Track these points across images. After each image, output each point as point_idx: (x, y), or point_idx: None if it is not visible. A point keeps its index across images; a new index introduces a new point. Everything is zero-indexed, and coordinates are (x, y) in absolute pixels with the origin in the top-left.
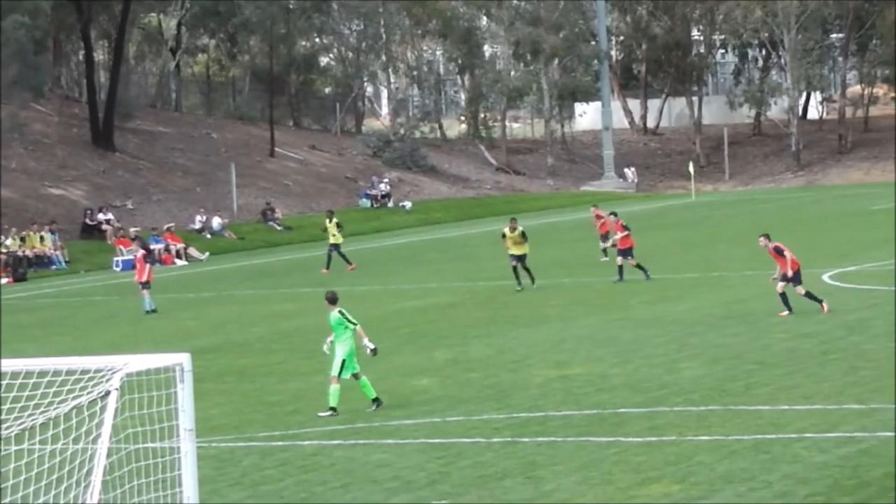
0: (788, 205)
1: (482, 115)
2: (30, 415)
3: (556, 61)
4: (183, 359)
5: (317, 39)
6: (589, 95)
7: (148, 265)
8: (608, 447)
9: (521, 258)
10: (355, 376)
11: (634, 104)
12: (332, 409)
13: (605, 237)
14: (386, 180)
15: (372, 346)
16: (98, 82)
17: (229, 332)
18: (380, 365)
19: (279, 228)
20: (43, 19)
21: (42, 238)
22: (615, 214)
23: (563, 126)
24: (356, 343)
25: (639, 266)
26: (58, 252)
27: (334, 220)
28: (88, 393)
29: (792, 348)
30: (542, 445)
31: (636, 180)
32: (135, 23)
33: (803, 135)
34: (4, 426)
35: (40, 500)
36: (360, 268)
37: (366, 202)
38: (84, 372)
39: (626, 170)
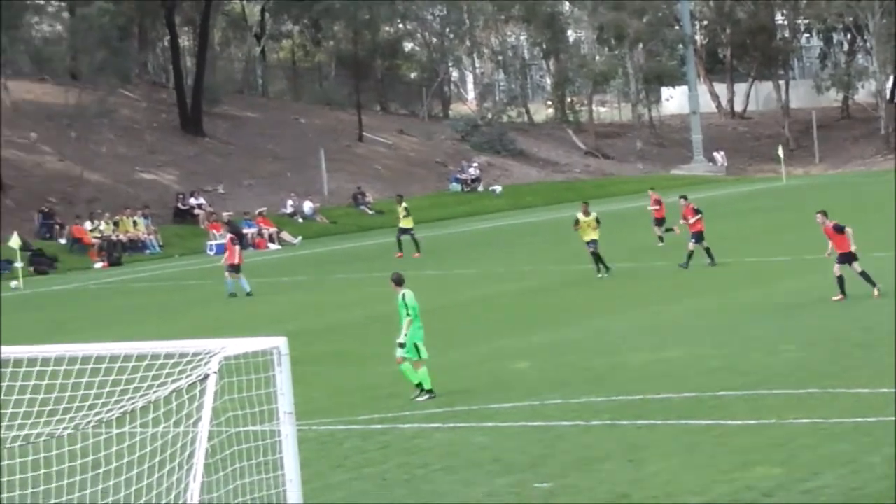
0: (881, 188)
1: (569, 99)
2: (130, 398)
3: (640, 45)
4: (280, 342)
5: (400, 25)
6: (675, 79)
7: (237, 248)
8: (708, 430)
9: (591, 243)
10: (406, 359)
11: (721, 88)
12: (429, 391)
13: (659, 222)
14: (475, 164)
15: (401, 340)
16: (184, 68)
17: (324, 315)
18: (478, 348)
19: (370, 212)
20: (127, 5)
21: (135, 223)
22: (685, 198)
23: (650, 110)
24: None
25: (708, 251)
26: (151, 236)
27: (403, 204)
28: (187, 376)
29: (891, 331)
30: (642, 429)
31: (726, 164)
32: (219, 9)
33: (892, 118)
34: (105, 409)
35: (143, 483)
36: (454, 251)
37: (456, 186)
38: (182, 355)
39: (715, 153)
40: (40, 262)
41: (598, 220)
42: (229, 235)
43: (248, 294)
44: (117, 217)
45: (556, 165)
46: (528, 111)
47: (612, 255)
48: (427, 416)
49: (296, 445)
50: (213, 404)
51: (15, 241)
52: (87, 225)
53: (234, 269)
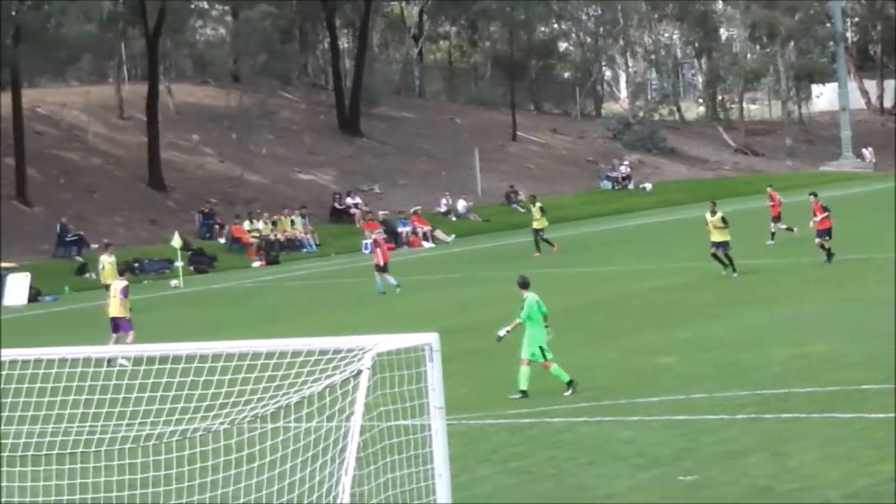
0: None
1: (720, 97)
2: (284, 394)
3: (791, 43)
4: (432, 339)
5: (555, 25)
6: (825, 76)
7: (382, 249)
8: (850, 423)
9: (722, 245)
10: (534, 361)
11: (871, 85)
12: (522, 392)
13: (776, 219)
14: (626, 162)
15: (501, 335)
16: (343, 70)
17: (476, 312)
18: (624, 343)
19: (522, 210)
20: (288, 9)
21: (293, 222)
22: (815, 195)
23: (800, 107)
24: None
25: (829, 250)
26: (308, 235)
27: (538, 204)
28: (341, 372)
29: None
30: (785, 422)
31: (874, 160)
32: (378, 11)
33: None
34: (260, 405)
35: (296, 477)
36: (603, 248)
37: (607, 184)
38: (336, 352)
39: (863, 150)
40: (200, 262)
41: (724, 220)
42: (374, 237)
43: (396, 287)
44: (275, 217)
45: (705, 163)
46: (679, 109)
47: (756, 250)
48: (573, 410)
49: (445, 440)
50: (365, 399)
51: (176, 241)
52: (246, 225)
53: (381, 269)
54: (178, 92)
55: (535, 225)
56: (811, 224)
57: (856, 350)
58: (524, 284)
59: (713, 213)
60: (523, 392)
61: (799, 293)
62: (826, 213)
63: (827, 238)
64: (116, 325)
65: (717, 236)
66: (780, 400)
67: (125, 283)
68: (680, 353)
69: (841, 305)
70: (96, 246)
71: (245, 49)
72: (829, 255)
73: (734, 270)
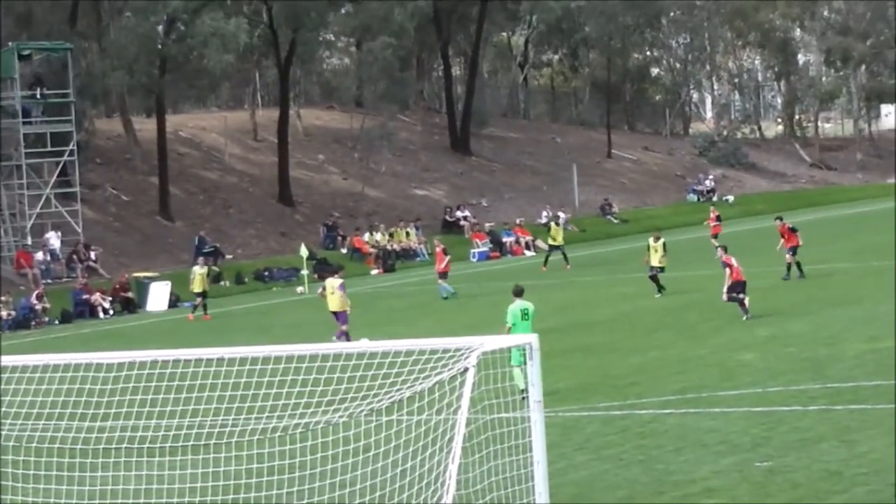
0: None
1: (797, 117)
2: (398, 389)
3: (863, 67)
4: (532, 338)
5: (648, 52)
6: (893, 97)
7: (447, 258)
8: None
9: (660, 269)
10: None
11: None
12: (522, 391)
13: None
14: (711, 177)
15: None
16: (455, 94)
17: (574, 313)
18: (709, 341)
19: (616, 221)
20: (407, 40)
21: (408, 233)
22: (781, 219)
23: (870, 125)
24: None
25: (798, 265)
26: (422, 245)
27: (560, 223)
28: (449, 370)
29: None
30: (855, 412)
31: None
32: (488, 41)
33: None
34: (376, 399)
35: (408, 465)
36: (691, 255)
37: (693, 197)
38: (445, 351)
39: None
40: (324, 270)
41: (664, 247)
42: (441, 246)
43: (445, 298)
44: (392, 228)
45: (783, 177)
46: (759, 128)
47: (833, 256)
48: (661, 402)
49: (543, 430)
50: (471, 394)
51: (303, 251)
52: (366, 236)
53: (443, 275)
54: (307, 116)
55: (555, 242)
56: (778, 247)
57: None
58: (516, 293)
59: (657, 239)
60: (522, 391)
61: (876, 294)
62: (794, 233)
63: (793, 255)
64: (337, 317)
65: (655, 261)
66: (851, 392)
67: (341, 280)
68: (760, 349)
69: None
70: (231, 256)
71: (367, 76)
72: (799, 269)
73: (660, 291)
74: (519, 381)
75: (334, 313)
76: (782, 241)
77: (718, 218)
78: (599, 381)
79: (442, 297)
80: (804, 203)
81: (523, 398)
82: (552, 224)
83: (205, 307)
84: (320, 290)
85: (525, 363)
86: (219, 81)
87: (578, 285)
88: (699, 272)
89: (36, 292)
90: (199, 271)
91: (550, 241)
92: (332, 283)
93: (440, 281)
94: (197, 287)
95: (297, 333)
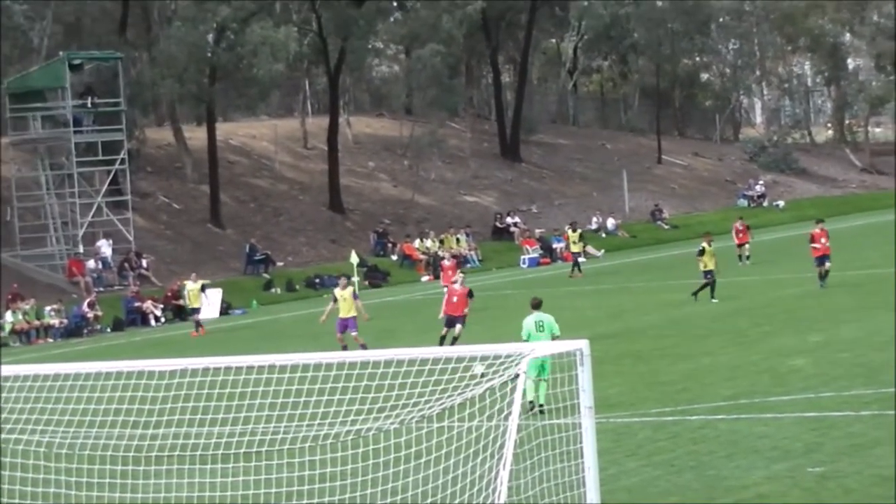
0: None
1: (847, 122)
2: (449, 396)
3: None
4: (582, 344)
5: (698, 58)
6: None
7: (451, 271)
8: None
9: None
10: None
11: None
12: (531, 402)
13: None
14: (761, 182)
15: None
16: (505, 101)
17: (625, 319)
18: (760, 346)
19: (666, 227)
20: (456, 47)
21: (458, 240)
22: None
23: None
24: None
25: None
26: (472, 252)
27: (578, 231)
28: (500, 376)
29: None
30: None
31: None
32: (537, 48)
33: None
34: (427, 406)
35: (459, 471)
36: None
37: (743, 202)
38: (496, 357)
39: None
40: (374, 277)
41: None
42: (451, 260)
43: None
44: (442, 235)
45: (834, 182)
46: (810, 133)
47: (884, 261)
48: (713, 408)
49: (594, 436)
50: (522, 401)
51: (353, 258)
52: (416, 243)
53: None
54: (357, 124)
55: (575, 249)
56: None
57: None
58: (533, 305)
59: (710, 243)
60: (531, 403)
61: None
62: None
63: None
64: (348, 324)
65: (713, 265)
66: None
67: (352, 288)
68: (812, 354)
69: None
70: (281, 264)
71: (417, 84)
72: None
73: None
74: (529, 392)
75: (348, 319)
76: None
77: (748, 228)
78: (650, 386)
79: None
80: (854, 208)
81: (531, 411)
82: (569, 232)
83: (198, 323)
84: (332, 304)
85: (539, 374)
86: (268, 90)
87: (629, 291)
88: (746, 278)
89: (88, 300)
90: (191, 287)
91: (572, 250)
92: (344, 293)
93: None
94: (193, 303)
95: (348, 340)
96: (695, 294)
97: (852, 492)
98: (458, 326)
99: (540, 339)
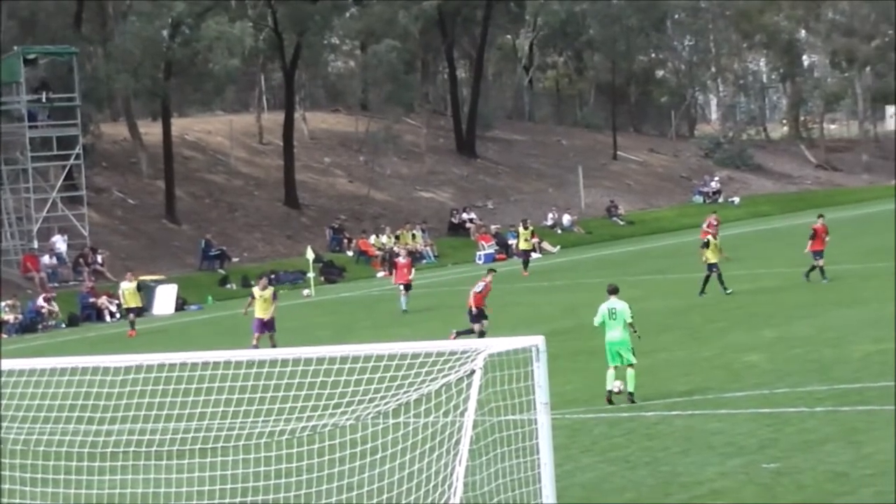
0: None
1: (802, 118)
2: (405, 392)
3: (868, 68)
4: (538, 340)
5: (653, 55)
6: None
7: (406, 269)
8: None
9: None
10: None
11: None
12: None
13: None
14: (717, 178)
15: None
16: (460, 97)
17: (581, 315)
18: (714, 342)
19: (622, 223)
20: (412, 43)
21: (414, 236)
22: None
23: (875, 126)
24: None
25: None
26: (428, 248)
27: (530, 228)
28: (456, 372)
29: None
30: (861, 414)
31: None
32: (492, 44)
33: None
34: (383, 402)
35: (415, 467)
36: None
37: (698, 198)
38: (452, 353)
39: None
40: (330, 273)
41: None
42: (396, 259)
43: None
44: (398, 231)
45: (789, 178)
46: (765, 129)
47: (839, 258)
48: (668, 404)
49: (550, 433)
50: (477, 396)
51: (309, 254)
52: (372, 239)
53: (407, 287)
54: (312, 119)
55: (524, 246)
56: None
57: None
58: (609, 291)
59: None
60: (609, 392)
61: (882, 295)
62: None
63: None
64: (265, 324)
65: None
66: (857, 393)
67: (272, 289)
68: (766, 350)
69: None
70: (237, 259)
71: (372, 79)
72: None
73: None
74: (609, 381)
75: (267, 320)
76: (811, 242)
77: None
78: (605, 383)
79: (403, 309)
80: (810, 204)
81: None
82: (520, 230)
83: (132, 323)
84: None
85: (619, 363)
86: (224, 85)
87: (585, 287)
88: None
89: (43, 295)
90: (126, 287)
91: (521, 247)
92: (264, 293)
93: (405, 293)
94: (127, 303)
95: (304, 336)
96: (702, 291)
97: (806, 488)
98: (484, 322)
99: (610, 325)
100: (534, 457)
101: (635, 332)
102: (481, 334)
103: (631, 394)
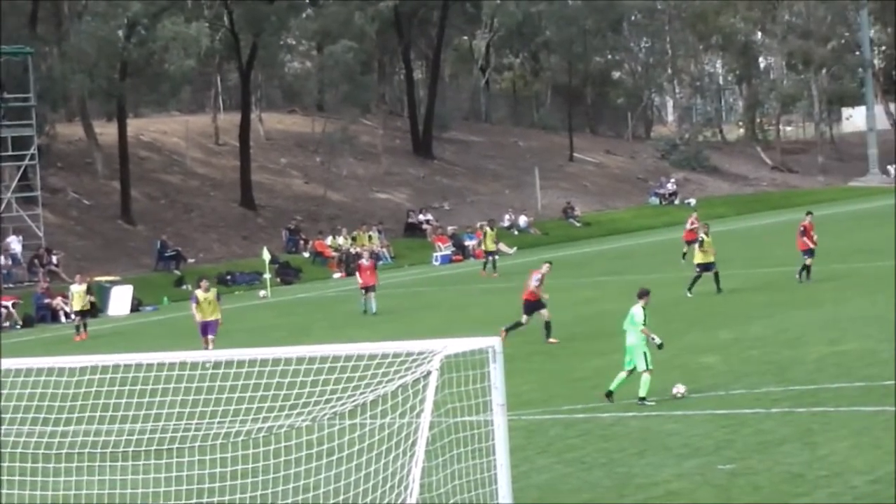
0: None
1: (758, 120)
2: (361, 393)
3: (824, 70)
4: (495, 342)
5: (610, 56)
6: (855, 100)
7: (369, 271)
8: (876, 416)
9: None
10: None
11: None
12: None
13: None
14: (673, 180)
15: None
16: (417, 98)
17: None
18: (671, 343)
19: (578, 224)
20: (369, 43)
21: (370, 237)
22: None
23: (831, 128)
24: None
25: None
26: (384, 249)
27: (495, 229)
28: (412, 373)
29: None
30: (816, 415)
31: None
32: (449, 45)
33: None
34: (340, 403)
35: (371, 468)
36: (655, 257)
37: (655, 200)
38: (409, 354)
39: (888, 167)
40: (286, 274)
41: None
42: (360, 261)
43: (374, 313)
44: (354, 232)
45: (745, 179)
46: (721, 131)
47: (795, 259)
48: (623, 406)
49: (506, 434)
50: (434, 398)
51: (265, 255)
52: (328, 240)
53: (368, 289)
54: (269, 120)
55: (491, 247)
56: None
57: (885, 348)
58: (637, 295)
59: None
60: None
61: (838, 296)
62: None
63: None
64: (210, 327)
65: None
66: (812, 395)
67: (216, 290)
68: (723, 352)
69: (876, 306)
70: (193, 260)
71: (329, 80)
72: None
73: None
74: (614, 383)
75: (209, 322)
76: (800, 239)
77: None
78: (562, 384)
79: (364, 310)
80: (765, 206)
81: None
82: (487, 230)
83: (84, 326)
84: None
85: (632, 368)
86: (180, 85)
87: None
88: (657, 275)
89: (13, 301)
90: (76, 289)
91: (487, 248)
92: (208, 294)
93: (367, 295)
94: (76, 305)
95: (260, 337)
96: (690, 288)
97: (761, 489)
98: (545, 311)
99: (628, 331)
100: (490, 458)
101: (653, 338)
102: (547, 325)
103: (641, 398)
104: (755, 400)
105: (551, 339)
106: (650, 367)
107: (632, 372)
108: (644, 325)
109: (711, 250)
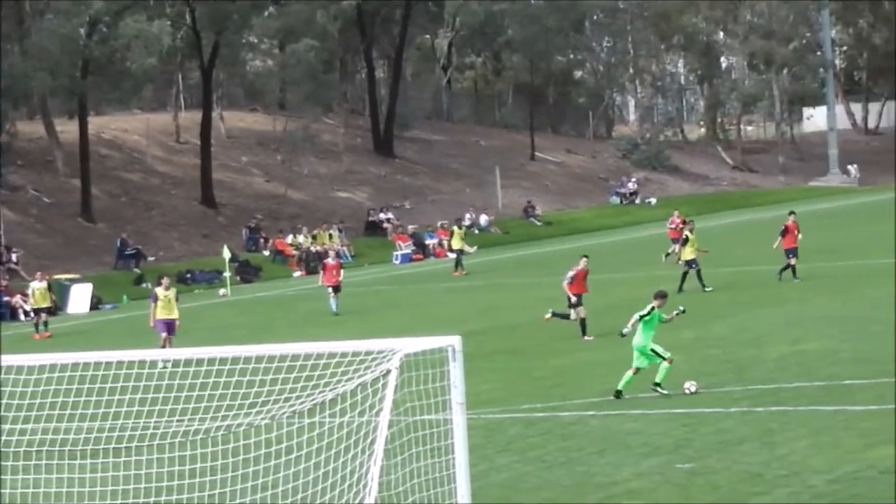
0: None
1: (719, 120)
2: (320, 391)
3: (785, 70)
4: (454, 340)
5: (572, 55)
6: (816, 100)
7: (335, 270)
8: (836, 415)
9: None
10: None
11: (857, 107)
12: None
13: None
14: (634, 179)
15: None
16: (379, 97)
17: (498, 315)
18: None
19: (539, 224)
20: (331, 42)
21: (331, 235)
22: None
23: (792, 128)
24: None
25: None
26: (345, 248)
27: (463, 227)
28: (372, 371)
29: None
30: (776, 414)
31: (858, 176)
32: (411, 44)
33: None
34: (298, 401)
35: (330, 466)
36: (617, 256)
37: (616, 199)
38: (368, 353)
39: (849, 167)
40: (246, 272)
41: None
42: (325, 260)
43: (335, 313)
44: (315, 231)
45: (706, 179)
46: (682, 131)
47: (756, 258)
48: (584, 404)
49: (465, 432)
50: (393, 396)
51: (225, 254)
52: (289, 238)
53: (335, 289)
54: (230, 118)
55: (457, 245)
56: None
57: (846, 347)
58: (655, 295)
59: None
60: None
61: (799, 296)
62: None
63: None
64: (170, 327)
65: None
66: (772, 394)
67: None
68: (683, 351)
69: (838, 306)
70: (153, 258)
71: (291, 79)
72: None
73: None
74: (622, 382)
75: (171, 321)
76: (781, 239)
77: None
78: (523, 383)
79: (333, 311)
80: (726, 206)
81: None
82: (454, 229)
83: (45, 324)
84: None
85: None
86: (142, 83)
87: (502, 288)
88: (619, 274)
89: None
90: (37, 286)
91: (454, 246)
92: (168, 293)
93: (335, 295)
94: (37, 303)
95: (220, 336)
96: (680, 289)
97: (720, 488)
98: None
99: (642, 331)
100: (449, 456)
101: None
102: (582, 322)
103: (656, 384)
104: (715, 399)
105: (587, 337)
106: (666, 356)
107: (637, 371)
108: (649, 323)
109: (695, 247)
